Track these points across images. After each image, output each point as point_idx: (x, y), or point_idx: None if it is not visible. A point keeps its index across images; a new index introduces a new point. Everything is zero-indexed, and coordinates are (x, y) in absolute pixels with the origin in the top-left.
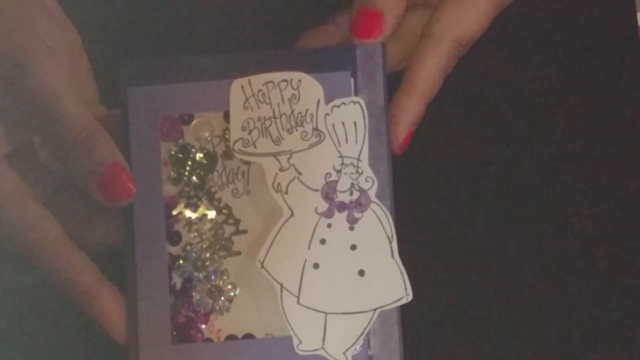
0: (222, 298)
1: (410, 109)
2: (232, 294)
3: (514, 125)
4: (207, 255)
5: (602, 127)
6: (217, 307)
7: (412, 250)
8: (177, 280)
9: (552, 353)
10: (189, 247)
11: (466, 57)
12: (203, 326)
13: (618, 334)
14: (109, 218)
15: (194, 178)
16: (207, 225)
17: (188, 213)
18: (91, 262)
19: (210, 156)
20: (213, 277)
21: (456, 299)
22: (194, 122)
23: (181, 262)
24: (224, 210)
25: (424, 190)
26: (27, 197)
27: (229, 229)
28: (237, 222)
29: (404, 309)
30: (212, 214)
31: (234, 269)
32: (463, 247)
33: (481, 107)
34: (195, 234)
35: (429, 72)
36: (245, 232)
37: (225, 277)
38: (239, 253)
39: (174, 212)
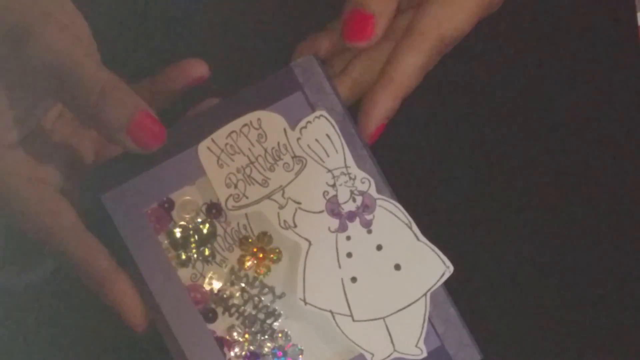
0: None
1: (383, 103)
2: (295, 352)
3: (513, 122)
4: (257, 328)
5: (603, 125)
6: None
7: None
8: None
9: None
10: (235, 328)
11: (468, 56)
12: None
13: (619, 336)
14: None
15: (205, 252)
16: (240, 300)
17: (214, 289)
18: (105, 248)
19: (205, 223)
20: (270, 342)
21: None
22: (177, 205)
23: (235, 345)
24: (255, 283)
25: (421, 185)
26: (43, 183)
27: (267, 298)
28: (271, 289)
29: (448, 284)
30: (240, 286)
31: (285, 322)
32: (462, 237)
33: (481, 104)
34: (235, 313)
35: (408, 68)
36: (283, 295)
37: (283, 337)
38: (287, 317)
39: (198, 295)
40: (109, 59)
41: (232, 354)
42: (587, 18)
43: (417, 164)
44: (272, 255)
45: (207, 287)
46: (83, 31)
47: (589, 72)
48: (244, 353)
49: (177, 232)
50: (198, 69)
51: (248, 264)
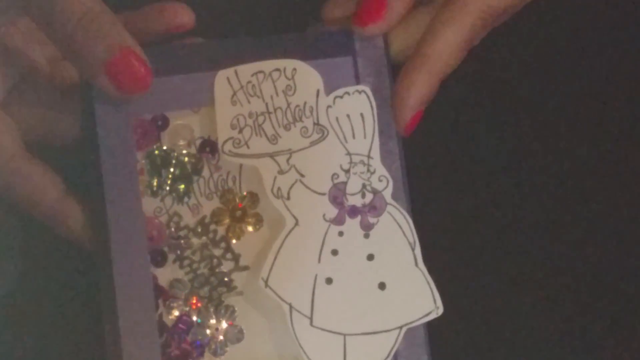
0: (222, 338)
1: (419, 86)
2: (234, 334)
3: (540, 123)
4: (204, 293)
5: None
6: (218, 345)
7: (434, 257)
8: (167, 316)
9: None
10: (178, 285)
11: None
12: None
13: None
14: (72, 109)
15: (179, 186)
16: (197, 255)
17: (173, 232)
18: (54, 174)
19: (193, 158)
20: (213, 315)
21: (488, 310)
22: (171, 126)
23: (171, 301)
24: (221, 244)
25: (439, 189)
26: None
27: (227, 265)
28: (236, 257)
29: (431, 326)
30: (202, 240)
31: (236, 302)
32: (489, 250)
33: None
34: (187, 267)
35: (447, 44)
36: (246, 268)
37: (227, 312)
38: (240, 293)
39: (155, 232)
40: None
41: (164, 309)
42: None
43: (429, 158)
44: (251, 220)
45: (167, 227)
46: None
47: (611, 72)
48: (176, 314)
49: (158, 155)
50: (182, 15)
51: (223, 219)
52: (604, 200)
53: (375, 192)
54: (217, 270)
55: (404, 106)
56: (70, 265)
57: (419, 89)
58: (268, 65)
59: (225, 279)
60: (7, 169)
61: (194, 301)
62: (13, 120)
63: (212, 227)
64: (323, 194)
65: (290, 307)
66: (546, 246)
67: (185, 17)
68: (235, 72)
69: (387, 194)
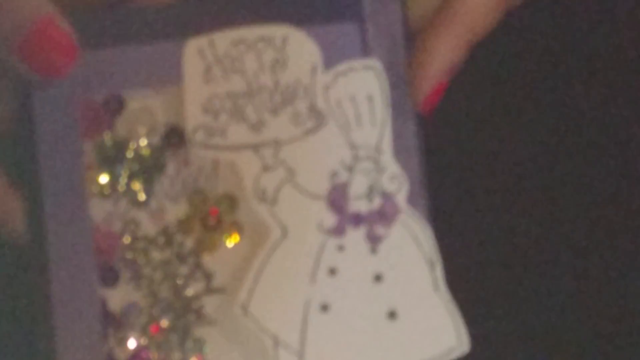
0: None
1: (444, 49)
2: None
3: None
4: (167, 322)
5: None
6: None
7: (459, 279)
8: (120, 350)
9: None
10: (134, 311)
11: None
12: None
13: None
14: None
15: (135, 185)
16: (159, 274)
17: (129, 244)
18: None
19: (154, 153)
20: (178, 349)
21: (524, 344)
22: (127, 109)
23: (125, 332)
24: (189, 259)
25: (469, 192)
26: None
27: (196, 286)
28: (208, 276)
29: None
30: (165, 255)
31: (207, 334)
32: (527, 270)
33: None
34: (145, 288)
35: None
36: (220, 290)
37: (195, 346)
38: (213, 322)
39: (105, 244)
40: None
41: (115, 341)
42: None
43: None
44: (227, 230)
45: (120, 238)
46: None
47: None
48: (132, 348)
49: (111, 147)
50: None
51: (192, 227)
52: None
53: (386, 196)
54: (183, 293)
55: (424, 74)
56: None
57: (444, 52)
58: (252, 32)
59: (194, 305)
60: None
61: (154, 332)
62: None
63: (178, 237)
64: (319, 197)
65: (276, 340)
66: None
67: None
68: (210, 41)
69: (402, 198)
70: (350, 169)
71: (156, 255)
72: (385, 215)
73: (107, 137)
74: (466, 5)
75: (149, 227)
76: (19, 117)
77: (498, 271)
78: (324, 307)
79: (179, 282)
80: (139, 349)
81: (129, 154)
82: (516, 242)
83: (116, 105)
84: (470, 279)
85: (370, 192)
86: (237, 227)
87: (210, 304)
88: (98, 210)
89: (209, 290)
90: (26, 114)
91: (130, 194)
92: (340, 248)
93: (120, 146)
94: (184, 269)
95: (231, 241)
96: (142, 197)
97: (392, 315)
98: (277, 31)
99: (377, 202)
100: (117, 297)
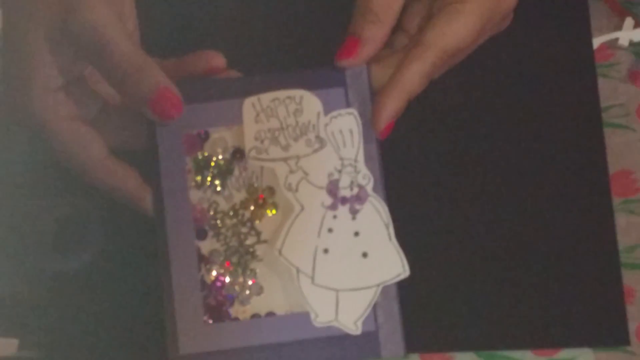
0: (248, 292)
1: (390, 104)
2: (256, 289)
3: (485, 134)
4: (234, 260)
5: (557, 135)
6: (244, 297)
7: (403, 233)
8: (207, 276)
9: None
10: (216, 254)
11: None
12: (231, 309)
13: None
14: (140, 125)
15: (216, 181)
16: (230, 232)
17: (212, 215)
18: (132, 169)
19: (227, 161)
20: (241, 275)
21: (443, 274)
22: (211, 138)
23: (210, 265)
24: (247, 224)
25: (411, 184)
26: (80, 120)
27: (251, 239)
28: (258, 233)
29: (400, 284)
30: (233, 221)
31: (257, 266)
32: (447, 229)
33: (460, 120)
34: (222, 241)
35: (413, 75)
36: (265, 241)
37: (251, 273)
38: (261, 260)
39: (199, 215)
40: (148, 35)
41: (205, 271)
42: (549, 44)
43: (404, 164)
44: (269, 207)
45: (208, 212)
46: (126, 8)
47: (550, 92)
48: (214, 275)
49: (201, 159)
50: (215, 60)
51: (249, 206)
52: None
53: (360, 186)
54: (244, 243)
55: (378, 118)
56: (142, 242)
57: (390, 107)
58: (283, 94)
59: (250, 250)
60: (100, 169)
61: (227, 265)
62: (100, 133)
63: (241, 212)
64: (322, 188)
65: (298, 270)
66: (487, 221)
67: (218, 60)
68: (259, 99)
69: (369, 188)
70: (339, 171)
71: (228, 221)
72: (360, 197)
73: (199, 155)
74: (405, 78)
75: (224, 205)
76: (149, 141)
77: (428, 230)
78: (325, 250)
79: (242, 237)
80: (218, 275)
81: (212, 164)
82: (440, 213)
83: (204, 136)
84: (410, 233)
85: (351, 184)
86: (275, 205)
87: (259, 249)
88: (194, 196)
89: (259, 241)
90: (153, 140)
91: (213, 186)
92: (334, 217)
93: (207, 160)
94: (244, 229)
95: (271, 213)
96: (219, 188)
97: (364, 255)
98: (297, 93)
99: (355, 190)
100: (206, 246)
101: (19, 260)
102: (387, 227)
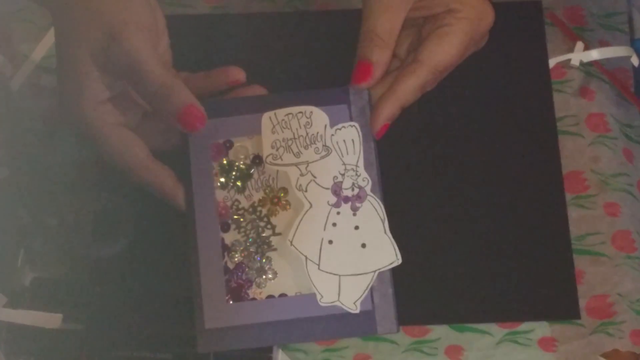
0: (264, 276)
1: (386, 110)
2: (271, 274)
3: (459, 144)
4: (253, 249)
5: (516, 143)
6: (261, 281)
7: (397, 228)
8: (230, 262)
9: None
10: (237, 244)
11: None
12: (249, 291)
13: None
14: (173, 132)
15: (238, 183)
16: (249, 226)
17: (234, 211)
18: (169, 169)
19: (248, 166)
20: (258, 262)
21: (425, 260)
22: (234, 146)
23: (233, 253)
24: (264, 219)
25: (402, 186)
26: (125, 127)
27: (267, 232)
28: (273, 227)
29: (394, 270)
30: (252, 216)
31: (272, 255)
32: (430, 224)
33: (444, 135)
34: (243, 233)
35: (407, 86)
36: (280, 234)
37: (267, 261)
38: (275, 249)
39: (223, 211)
40: (179, 54)
41: (228, 258)
42: (506, 65)
43: (399, 170)
44: (283, 205)
45: (230, 208)
46: (159, 34)
47: (507, 109)
48: (235, 261)
49: (226, 164)
50: (237, 74)
51: (266, 204)
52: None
53: (360, 187)
54: (261, 235)
55: (375, 121)
56: (167, 232)
57: (386, 111)
58: (295, 109)
59: (266, 241)
60: (142, 168)
61: (246, 254)
62: (141, 137)
63: (259, 209)
64: (327, 188)
65: (306, 258)
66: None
67: (239, 75)
68: (275, 114)
69: (368, 189)
70: (343, 175)
71: (248, 217)
72: (360, 197)
73: (224, 160)
74: (401, 89)
75: (244, 203)
76: (182, 148)
77: (417, 224)
78: (330, 242)
79: (259, 230)
80: (238, 262)
81: (235, 168)
82: (425, 210)
83: (229, 145)
84: (401, 227)
85: (352, 186)
86: (288, 203)
87: (274, 240)
88: (219, 195)
89: (274, 234)
90: (186, 147)
91: (236, 187)
92: (338, 213)
93: (231, 164)
94: (261, 223)
95: (285, 210)
96: (241, 189)
97: (363, 245)
98: (307, 109)
99: (356, 191)
100: (229, 237)
101: (64, 247)
102: (382, 222)
